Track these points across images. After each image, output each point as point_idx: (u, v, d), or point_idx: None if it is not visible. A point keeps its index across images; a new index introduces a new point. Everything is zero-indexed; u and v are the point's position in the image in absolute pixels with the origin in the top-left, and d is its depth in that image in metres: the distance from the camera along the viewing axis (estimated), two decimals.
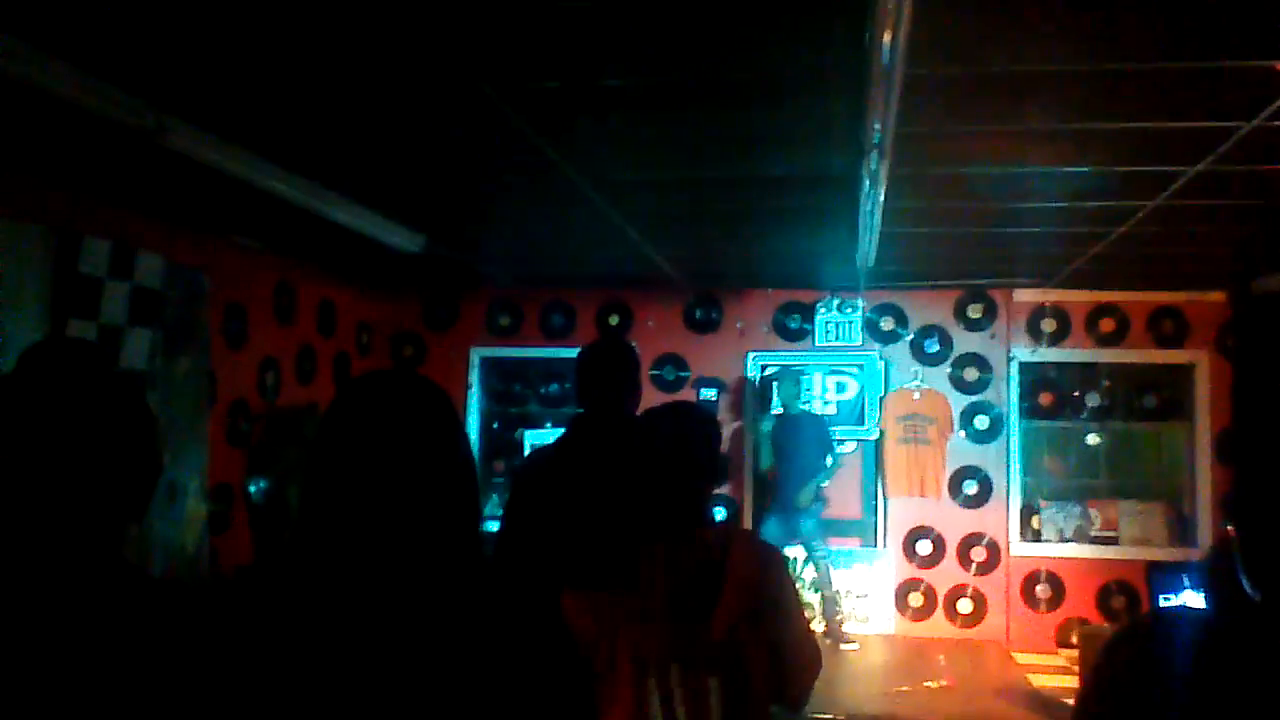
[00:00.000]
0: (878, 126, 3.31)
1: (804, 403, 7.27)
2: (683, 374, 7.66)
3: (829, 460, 7.02)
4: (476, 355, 8.04)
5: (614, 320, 7.82)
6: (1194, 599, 1.51)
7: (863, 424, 7.53)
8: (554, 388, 8.08)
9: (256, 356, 6.41)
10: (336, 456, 1.41)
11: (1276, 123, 3.38)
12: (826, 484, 7.08)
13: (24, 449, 1.56)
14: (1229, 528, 1.52)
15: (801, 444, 6.98)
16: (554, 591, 1.94)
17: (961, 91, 3.30)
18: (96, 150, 4.07)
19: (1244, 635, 1.47)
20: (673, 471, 2.24)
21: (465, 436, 1.50)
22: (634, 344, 3.40)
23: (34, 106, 3.38)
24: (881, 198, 4.23)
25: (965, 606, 7.34)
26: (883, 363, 7.52)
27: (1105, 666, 1.57)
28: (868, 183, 4.00)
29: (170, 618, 1.58)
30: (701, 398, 7.45)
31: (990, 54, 2.99)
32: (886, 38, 2.54)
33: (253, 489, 6.25)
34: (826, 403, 7.58)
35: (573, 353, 7.59)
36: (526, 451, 7.66)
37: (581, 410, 3.20)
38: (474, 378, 8.01)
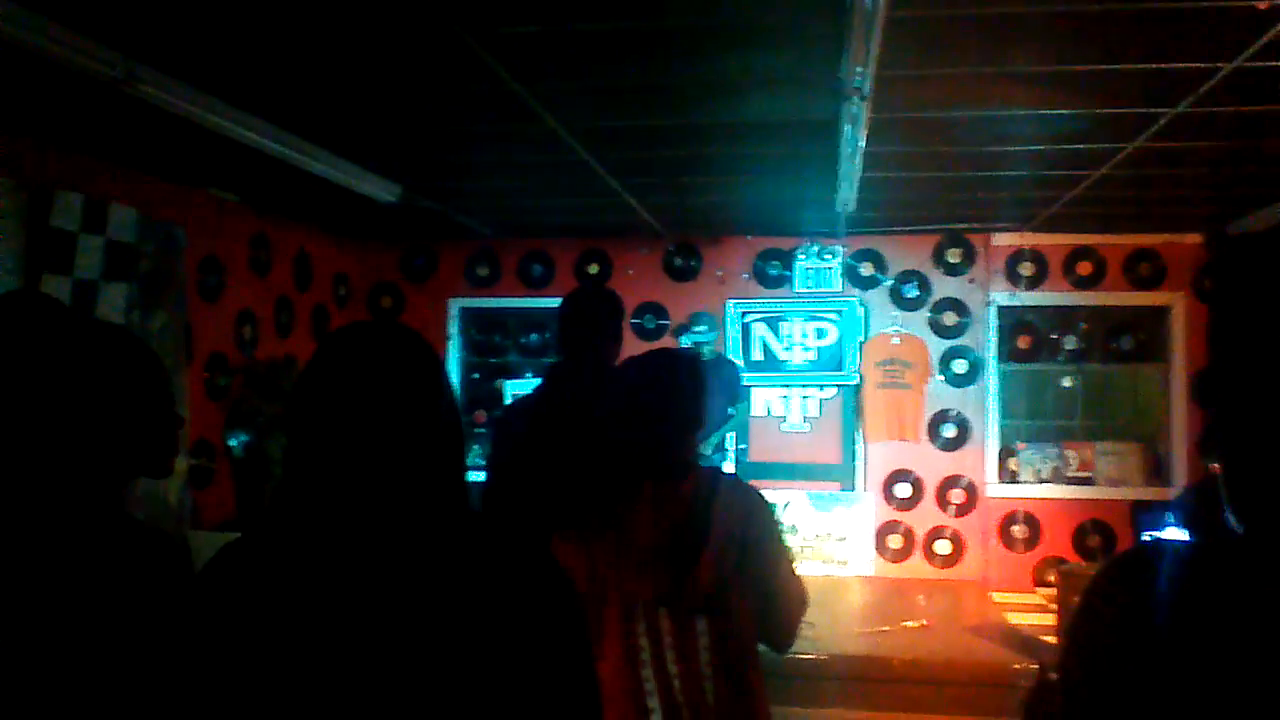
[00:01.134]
0: (859, 70, 3.30)
1: (712, 349, 7.12)
2: (663, 322, 7.65)
3: (732, 411, 6.90)
4: (455, 306, 8.00)
5: (593, 269, 7.80)
6: (1177, 535, 1.54)
7: (842, 369, 7.56)
8: (534, 338, 8.06)
9: (233, 310, 6.36)
10: (319, 409, 1.40)
11: (1257, 63, 3.39)
12: (730, 434, 7.02)
13: (20, 400, 1.55)
14: (1213, 464, 1.54)
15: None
16: (543, 537, 1.95)
17: (942, 33, 3.28)
18: (67, 101, 4.00)
19: (1228, 564, 1.50)
20: (657, 417, 2.25)
21: (449, 386, 1.49)
22: (616, 292, 3.37)
23: (1, 58, 3.32)
24: (862, 142, 4.22)
25: (944, 548, 7.43)
26: (862, 308, 7.54)
27: (1092, 599, 1.60)
28: (848, 127, 3.99)
29: (166, 571, 1.59)
30: (684, 344, 7.44)
31: None
32: None
33: (233, 443, 6.23)
34: (806, 349, 7.60)
35: (552, 302, 7.58)
36: (507, 401, 7.67)
37: (562, 358, 3.19)
38: (453, 328, 7.98)
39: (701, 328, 7.00)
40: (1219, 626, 1.45)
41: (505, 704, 1.34)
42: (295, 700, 1.31)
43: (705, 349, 6.89)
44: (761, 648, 2.27)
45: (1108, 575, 1.63)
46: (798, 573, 2.26)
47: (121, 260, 5.16)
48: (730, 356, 7.41)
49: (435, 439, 1.42)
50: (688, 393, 2.28)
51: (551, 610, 1.41)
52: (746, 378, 7.44)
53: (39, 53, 3.25)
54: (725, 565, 2.13)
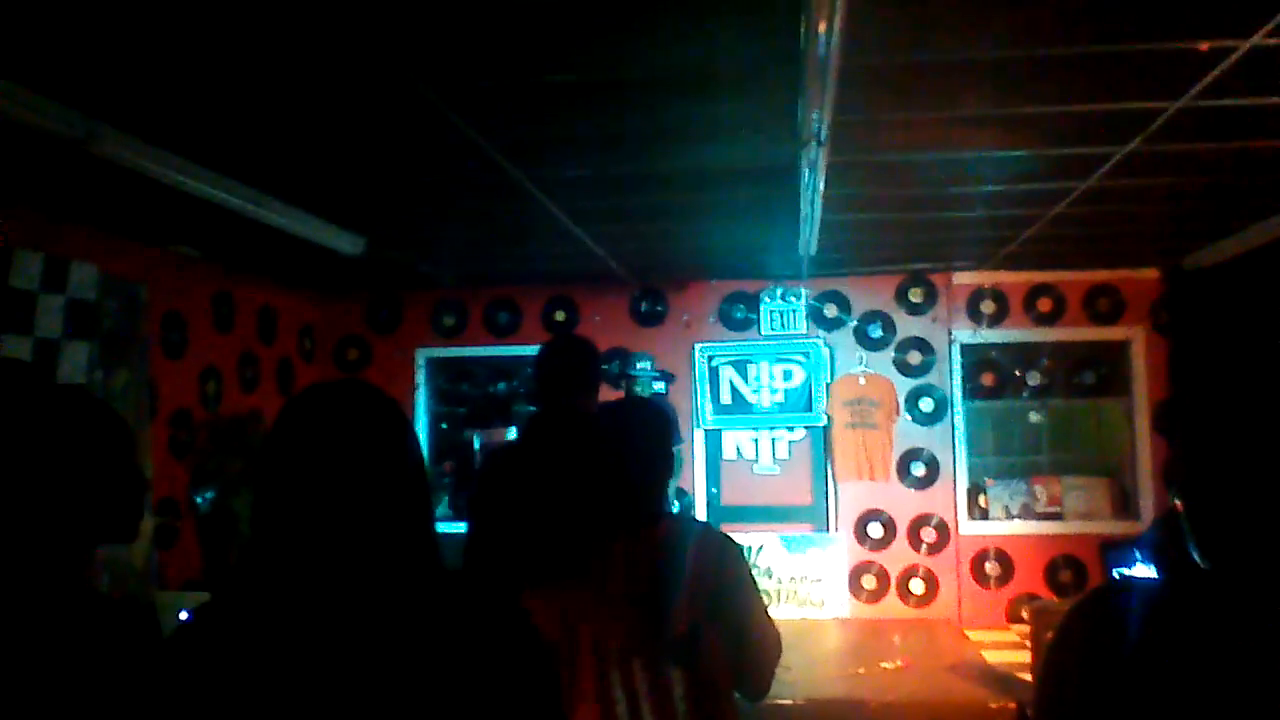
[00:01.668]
0: (815, 116, 3.34)
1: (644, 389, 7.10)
2: (631, 369, 7.66)
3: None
4: (422, 356, 7.98)
5: (560, 316, 7.81)
6: (1145, 571, 1.55)
7: (810, 410, 7.59)
8: (501, 386, 8.05)
9: (197, 366, 6.32)
10: (285, 468, 1.40)
11: (1202, 103, 3.46)
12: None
13: None
14: (1176, 501, 1.56)
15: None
16: (517, 589, 1.94)
17: (896, 79, 3.34)
18: (25, 160, 3.98)
19: (1195, 602, 1.52)
20: (628, 466, 2.25)
21: (415, 441, 1.49)
22: (592, 341, 3.38)
23: None
24: (822, 186, 4.27)
25: (918, 587, 7.44)
26: (827, 349, 7.59)
27: (1062, 638, 1.61)
28: (807, 172, 4.04)
29: (132, 643, 1.56)
30: (651, 391, 7.45)
31: (923, 43, 3.03)
32: (822, 29, 2.57)
33: (199, 500, 6.16)
34: (774, 390, 7.63)
35: (520, 350, 7.69)
36: (476, 449, 7.64)
37: (539, 408, 3.20)
38: (421, 378, 7.95)
39: (644, 364, 7.02)
40: (1185, 663, 1.47)
41: None
42: None
43: (646, 385, 6.88)
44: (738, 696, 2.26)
45: (1076, 614, 1.64)
46: (771, 618, 2.26)
47: (83, 319, 5.11)
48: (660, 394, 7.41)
49: (402, 495, 1.42)
50: (657, 441, 2.29)
51: (521, 665, 1.41)
52: (714, 420, 7.45)
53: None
54: (699, 613, 2.12)
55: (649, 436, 2.27)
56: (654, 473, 2.26)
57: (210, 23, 2.78)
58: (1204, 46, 2.94)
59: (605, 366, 7.40)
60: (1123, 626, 1.52)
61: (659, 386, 7.03)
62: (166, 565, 5.75)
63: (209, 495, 6.15)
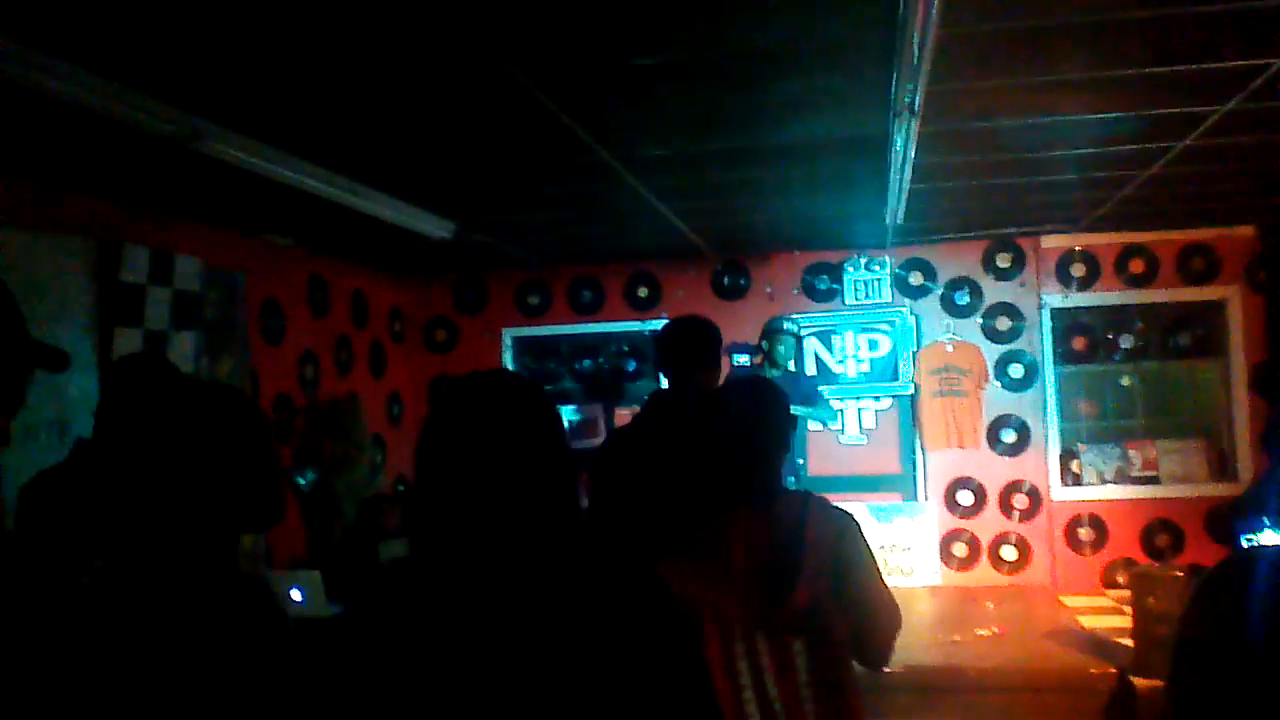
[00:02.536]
0: (910, 87, 3.33)
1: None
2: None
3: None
4: (508, 336, 8.10)
5: (643, 293, 7.85)
6: (1275, 538, 1.54)
7: (897, 379, 7.56)
8: (586, 363, 8.13)
9: (294, 351, 6.49)
10: (445, 455, 1.48)
11: None
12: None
13: (141, 463, 1.62)
14: None
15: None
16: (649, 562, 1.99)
17: (990, 47, 3.31)
18: (130, 158, 4.12)
19: None
20: (749, 443, 2.30)
21: (559, 424, 1.56)
22: (713, 321, 3.43)
23: (68, 119, 3.44)
24: (912, 155, 4.25)
25: (1010, 554, 7.39)
26: (914, 318, 7.54)
27: (1195, 612, 1.61)
28: (899, 142, 4.02)
29: (272, 621, 1.65)
30: (734, 364, 7.48)
31: (1018, 8, 3.00)
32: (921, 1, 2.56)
33: (301, 481, 6.34)
34: (860, 360, 7.62)
35: (603, 327, 7.76)
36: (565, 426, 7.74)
37: (663, 385, 3.26)
38: (507, 358, 8.07)
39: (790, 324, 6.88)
40: None
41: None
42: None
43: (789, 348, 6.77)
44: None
45: (1207, 587, 1.64)
46: (889, 590, 2.30)
47: (188, 309, 5.29)
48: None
49: (550, 475, 1.49)
50: (776, 418, 2.34)
51: (669, 632, 1.47)
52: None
53: (102, 113, 3.36)
54: (820, 586, 2.17)
55: (768, 414, 2.32)
56: (772, 450, 2.30)
57: (304, 16, 2.85)
58: None
59: None
60: (1257, 597, 1.52)
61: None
62: (274, 545, 5.93)
63: (311, 476, 6.32)
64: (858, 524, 2.30)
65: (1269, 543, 1.63)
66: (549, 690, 1.38)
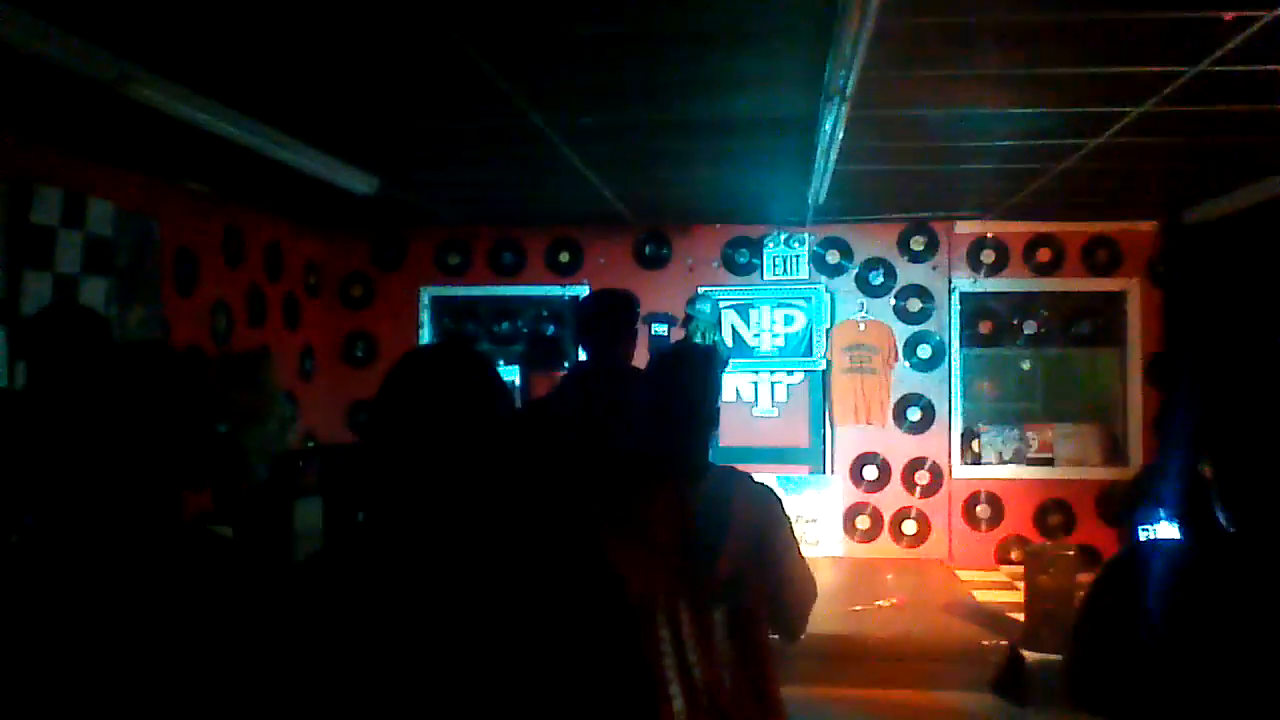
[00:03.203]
0: (843, 72, 3.41)
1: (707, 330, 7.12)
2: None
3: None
4: (426, 294, 8.03)
5: (564, 258, 7.86)
6: (1169, 530, 1.63)
7: (810, 355, 7.71)
8: (505, 326, 8.11)
9: (207, 301, 6.37)
10: (396, 421, 1.52)
11: (1219, 68, 3.54)
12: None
13: (71, 420, 1.62)
14: (1205, 467, 1.66)
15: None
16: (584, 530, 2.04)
17: (924, 39, 3.40)
18: (52, 99, 4.00)
19: (1221, 567, 1.62)
20: (675, 417, 2.36)
21: (508, 397, 1.61)
22: (633, 294, 3.47)
23: None
24: (840, 138, 4.33)
25: (910, 528, 7.61)
26: (829, 295, 7.68)
27: (1092, 604, 1.72)
28: (828, 124, 4.10)
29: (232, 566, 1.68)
30: (653, 333, 7.54)
31: (953, 6, 3.10)
32: None
33: (213, 431, 6.23)
34: (775, 335, 7.74)
35: (524, 290, 7.74)
36: None
37: (584, 358, 3.30)
38: (425, 317, 8.01)
39: (704, 306, 6.99)
40: (1215, 630, 1.57)
41: (565, 677, 1.47)
42: (382, 671, 1.43)
43: (709, 328, 6.88)
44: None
45: (1106, 578, 1.75)
46: (806, 564, 2.38)
47: (100, 254, 5.16)
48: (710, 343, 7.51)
49: (498, 442, 1.54)
50: (705, 394, 2.40)
51: (601, 596, 1.54)
52: None
53: (26, 52, 3.27)
54: (742, 560, 2.25)
55: (694, 391, 2.37)
56: (698, 426, 2.36)
57: None
58: (1229, 16, 3.00)
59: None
60: (1151, 594, 1.62)
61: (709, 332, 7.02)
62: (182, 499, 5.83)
63: (221, 429, 6.22)
64: (780, 501, 2.38)
65: (1164, 535, 1.74)
66: (482, 646, 1.45)
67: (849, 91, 3.60)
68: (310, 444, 7.32)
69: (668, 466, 2.31)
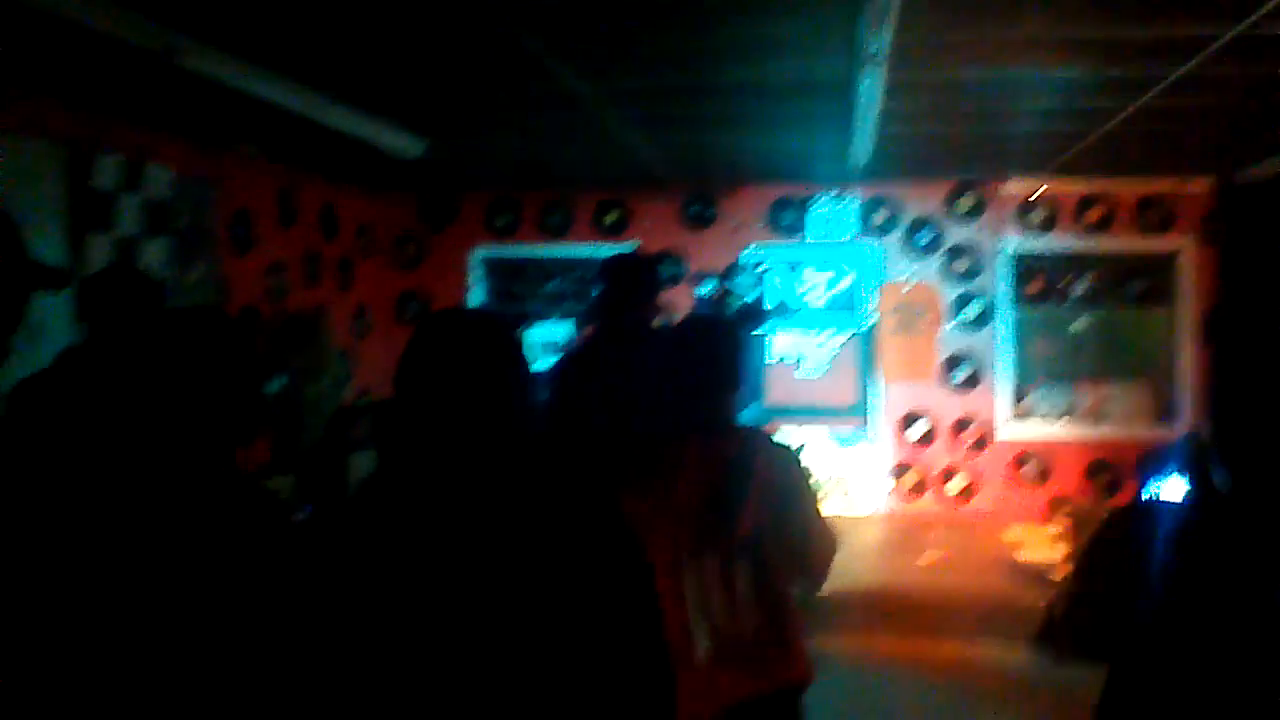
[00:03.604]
0: (876, 36, 3.43)
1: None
2: (679, 271, 7.79)
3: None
4: (476, 255, 8.16)
5: (612, 218, 7.93)
6: (1179, 485, 1.66)
7: (857, 314, 7.73)
8: (553, 285, 8.21)
9: (263, 262, 6.54)
10: (420, 380, 1.64)
11: (1259, 30, 3.50)
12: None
13: (132, 384, 1.75)
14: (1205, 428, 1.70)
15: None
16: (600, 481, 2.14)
17: (961, 3, 3.41)
18: (110, 70, 4.14)
19: (1216, 524, 1.66)
20: (699, 381, 2.44)
21: (525, 363, 1.71)
22: (653, 257, 3.56)
23: (52, 31, 3.47)
24: (877, 101, 4.35)
25: (957, 486, 7.64)
26: (876, 255, 7.68)
27: (1091, 554, 1.78)
28: (863, 87, 4.12)
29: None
30: (699, 293, 7.62)
31: None
32: None
33: (268, 390, 6.42)
34: (822, 295, 7.77)
35: (572, 251, 7.83)
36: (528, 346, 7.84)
37: (604, 320, 3.39)
38: (474, 277, 8.14)
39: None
40: (1208, 583, 1.62)
41: (570, 623, 1.58)
42: (399, 611, 1.55)
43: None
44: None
45: (1106, 531, 1.81)
46: (826, 520, 2.46)
47: (160, 217, 5.34)
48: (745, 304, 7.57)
49: (514, 404, 1.65)
50: (726, 358, 2.47)
51: (614, 544, 1.64)
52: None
53: (85, 25, 3.40)
54: (763, 515, 2.33)
55: (717, 353, 2.45)
56: (719, 386, 2.44)
57: None
58: None
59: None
60: (1149, 547, 1.67)
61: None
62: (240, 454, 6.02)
63: (280, 383, 6.39)
64: (798, 458, 2.46)
65: (1169, 493, 1.79)
66: (496, 590, 1.55)
67: (885, 55, 3.63)
68: (364, 400, 7.50)
69: (691, 426, 2.40)
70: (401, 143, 5.82)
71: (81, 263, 4.73)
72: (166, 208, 5.41)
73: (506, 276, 8.31)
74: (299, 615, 1.60)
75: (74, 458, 1.83)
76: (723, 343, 2.51)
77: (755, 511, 2.33)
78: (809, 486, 2.45)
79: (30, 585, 1.61)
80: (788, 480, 2.41)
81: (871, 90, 4.14)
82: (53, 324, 4.26)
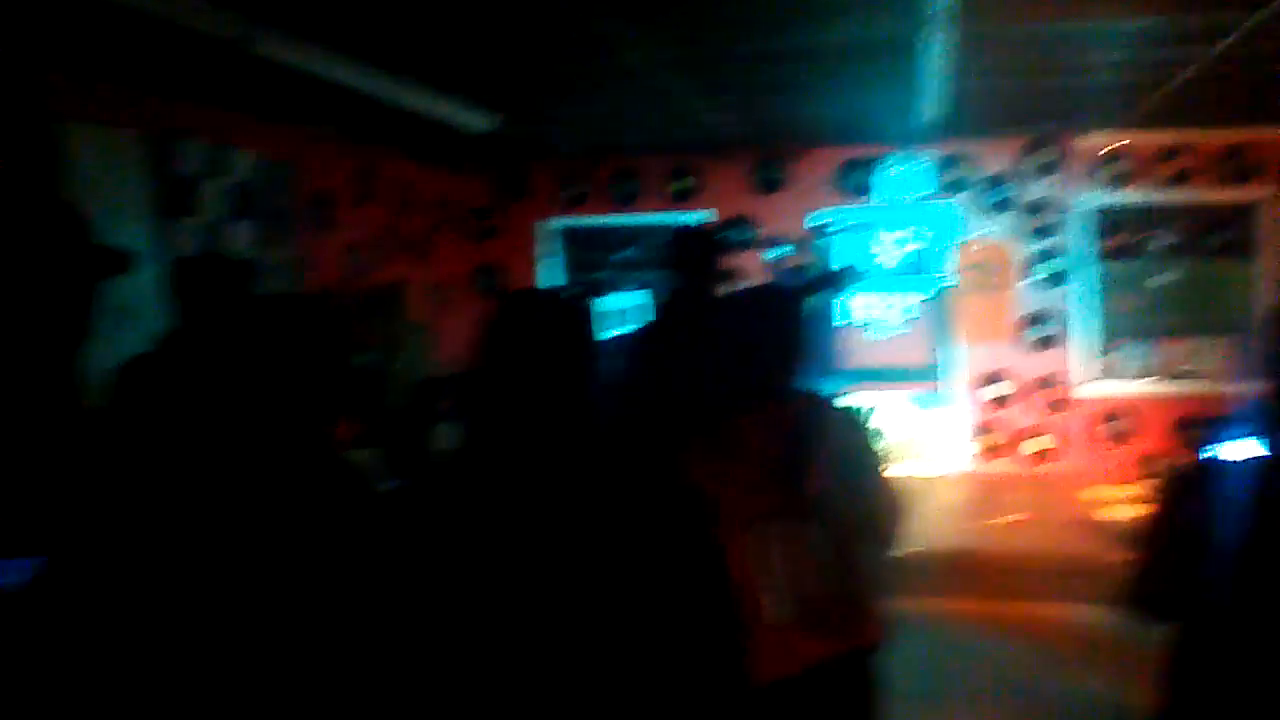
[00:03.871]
0: None
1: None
2: (750, 236, 7.79)
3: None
4: (549, 225, 8.25)
5: (682, 185, 7.95)
6: (1251, 446, 1.65)
7: (933, 274, 7.67)
8: (626, 253, 8.28)
9: (342, 240, 6.69)
10: (499, 358, 1.73)
11: None
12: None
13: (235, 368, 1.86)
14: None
15: None
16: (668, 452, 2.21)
17: None
18: (188, 59, 4.28)
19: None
20: (762, 349, 2.50)
21: (592, 340, 1.79)
22: (719, 228, 3.63)
23: (130, 22, 3.60)
24: (944, 58, 4.31)
25: (1038, 446, 7.58)
26: (951, 213, 7.61)
27: (1159, 514, 1.80)
28: (930, 44, 4.10)
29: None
30: (771, 257, 7.61)
31: None
32: None
33: (357, 362, 6.58)
34: (895, 255, 7.73)
35: (644, 219, 7.88)
36: (604, 315, 7.94)
37: (674, 291, 3.45)
38: (552, 247, 8.24)
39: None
40: (1270, 540, 1.64)
41: (637, 585, 1.65)
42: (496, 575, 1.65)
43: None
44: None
45: (1172, 490, 1.82)
46: (891, 482, 2.51)
47: (243, 200, 5.50)
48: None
49: (587, 377, 1.73)
50: (790, 325, 2.52)
51: (681, 513, 1.71)
52: None
53: (161, 16, 3.52)
54: (830, 478, 2.38)
55: (779, 320, 2.50)
56: (780, 356, 2.49)
57: None
58: None
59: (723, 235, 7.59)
60: (1212, 506, 1.69)
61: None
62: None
63: (369, 358, 6.55)
64: (864, 422, 2.51)
65: (1230, 452, 1.79)
66: (572, 559, 1.63)
67: (953, 11, 3.60)
68: (444, 374, 7.65)
69: (757, 394, 2.45)
70: (473, 119, 5.91)
71: (168, 249, 4.90)
72: (250, 190, 5.57)
73: (580, 245, 8.38)
74: (399, 582, 1.70)
75: (176, 434, 1.95)
76: (786, 310, 2.55)
77: (822, 476, 2.38)
78: (874, 450, 2.50)
79: (138, 554, 1.73)
80: (853, 444, 2.45)
81: (939, 47, 4.11)
82: (142, 307, 4.45)
